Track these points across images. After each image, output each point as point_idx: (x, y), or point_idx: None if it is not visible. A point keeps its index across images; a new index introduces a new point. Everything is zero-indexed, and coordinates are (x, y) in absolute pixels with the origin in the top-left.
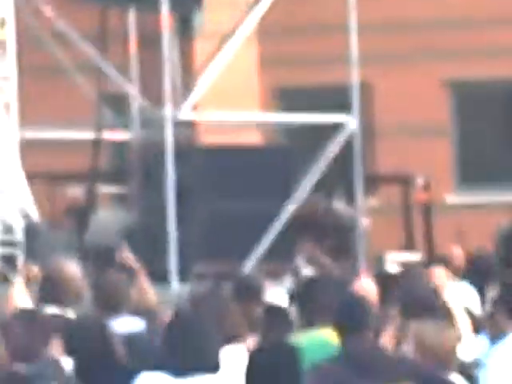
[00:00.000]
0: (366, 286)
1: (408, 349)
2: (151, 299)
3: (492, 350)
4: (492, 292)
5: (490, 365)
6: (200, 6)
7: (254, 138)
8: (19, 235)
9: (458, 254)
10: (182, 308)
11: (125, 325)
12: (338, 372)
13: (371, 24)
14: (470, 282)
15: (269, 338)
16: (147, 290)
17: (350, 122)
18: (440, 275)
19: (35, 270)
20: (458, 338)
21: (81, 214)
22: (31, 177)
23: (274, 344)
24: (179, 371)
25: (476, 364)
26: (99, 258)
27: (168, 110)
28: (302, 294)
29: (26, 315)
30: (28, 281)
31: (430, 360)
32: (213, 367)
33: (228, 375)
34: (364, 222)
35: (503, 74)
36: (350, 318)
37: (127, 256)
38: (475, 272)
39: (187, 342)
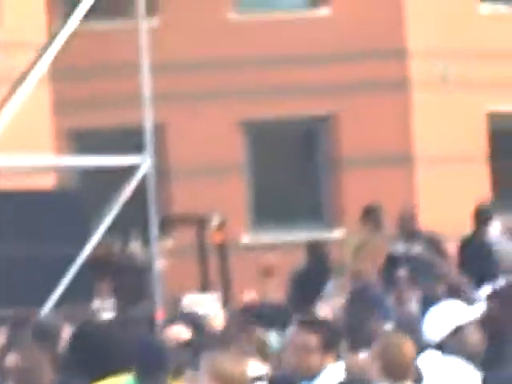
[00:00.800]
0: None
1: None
2: None
3: None
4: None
5: None
6: None
7: (48, 182)
8: None
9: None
10: None
11: None
12: None
13: (164, 64)
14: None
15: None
16: None
17: (144, 164)
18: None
19: None
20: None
21: None
22: None
23: None
24: None
25: None
26: None
27: None
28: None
29: None
30: None
31: None
32: None
33: None
34: (160, 263)
35: (294, 113)
36: (146, 361)
37: None
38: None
39: None
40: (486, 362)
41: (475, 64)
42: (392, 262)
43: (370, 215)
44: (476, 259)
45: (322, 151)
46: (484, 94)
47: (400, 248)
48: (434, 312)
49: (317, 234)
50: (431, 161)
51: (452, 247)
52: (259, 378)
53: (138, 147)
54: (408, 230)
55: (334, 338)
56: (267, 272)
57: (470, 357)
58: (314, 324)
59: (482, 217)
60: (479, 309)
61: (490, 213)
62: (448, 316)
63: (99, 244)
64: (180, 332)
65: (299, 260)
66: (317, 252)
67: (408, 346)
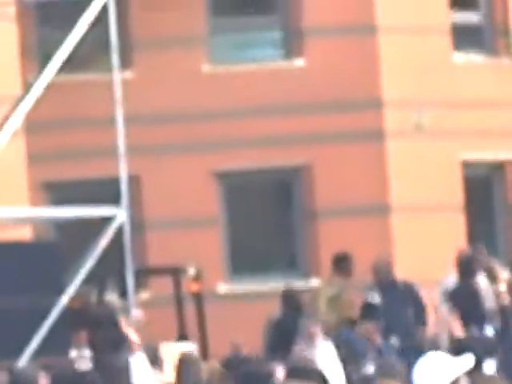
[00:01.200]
0: None
1: None
2: None
3: None
4: None
5: None
6: None
7: (24, 234)
8: None
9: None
10: None
11: None
12: None
13: (138, 116)
14: None
15: None
16: None
17: (120, 215)
18: None
19: None
20: None
21: None
22: None
23: None
24: None
25: None
26: None
27: None
28: None
29: None
30: None
31: None
32: None
33: None
34: (137, 313)
35: (269, 163)
36: None
37: None
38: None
39: None
40: None
41: (449, 113)
42: (368, 311)
43: (341, 264)
44: (464, 309)
45: (296, 201)
46: (458, 142)
47: (376, 297)
48: (424, 364)
49: (292, 284)
50: (406, 210)
51: (427, 295)
52: None
53: (112, 199)
54: (383, 279)
55: None
56: None
57: None
58: (306, 371)
59: (467, 269)
60: (467, 360)
61: (476, 264)
62: (440, 368)
63: (76, 295)
64: None
65: (275, 309)
66: (292, 301)
67: None
